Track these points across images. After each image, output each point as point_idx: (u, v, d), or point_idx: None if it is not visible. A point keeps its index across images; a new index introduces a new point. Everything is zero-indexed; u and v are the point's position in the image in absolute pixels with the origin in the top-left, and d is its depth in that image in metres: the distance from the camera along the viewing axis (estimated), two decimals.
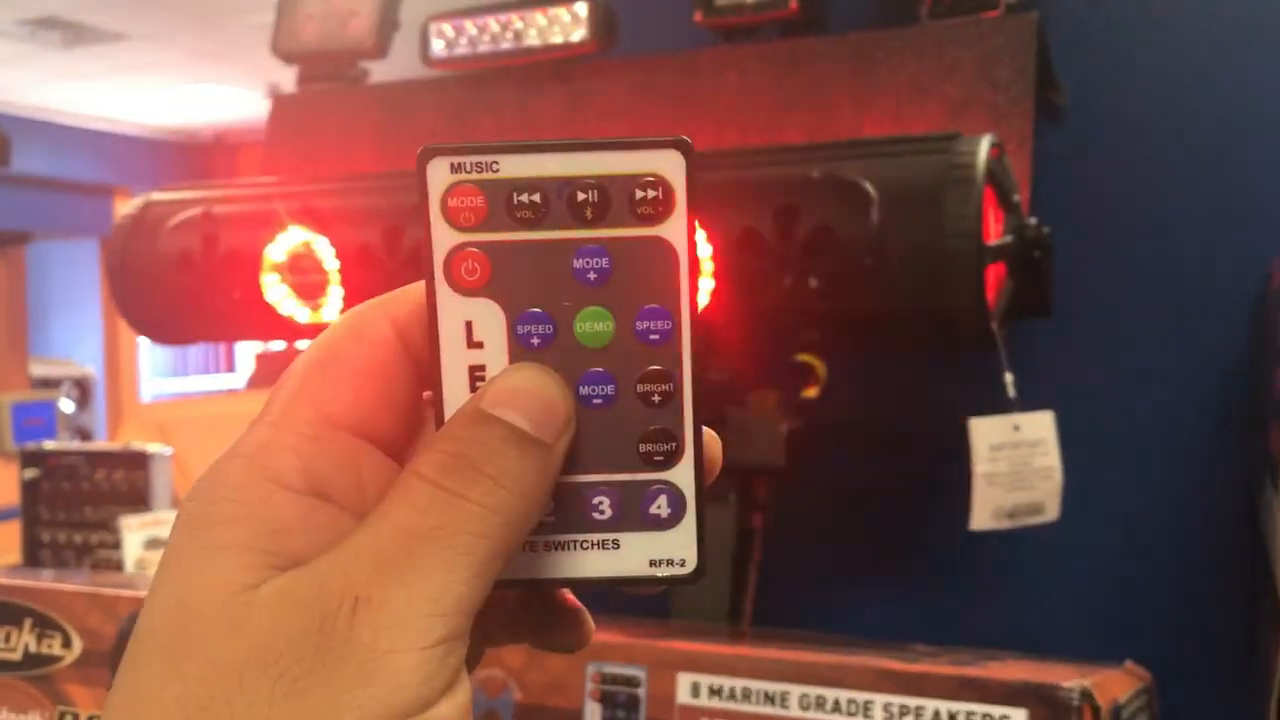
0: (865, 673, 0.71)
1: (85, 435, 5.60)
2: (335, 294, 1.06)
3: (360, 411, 0.34)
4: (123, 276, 1.15)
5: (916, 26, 1.08)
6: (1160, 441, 1.05)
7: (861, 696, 0.70)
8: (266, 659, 0.30)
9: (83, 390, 5.94)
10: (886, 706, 0.70)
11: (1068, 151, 1.11)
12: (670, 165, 0.34)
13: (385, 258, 1.04)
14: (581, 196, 0.34)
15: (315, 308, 1.08)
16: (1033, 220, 0.92)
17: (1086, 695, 0.66)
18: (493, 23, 1.21)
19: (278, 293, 1.08)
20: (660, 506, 0.35)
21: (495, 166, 0.34)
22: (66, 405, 5.70)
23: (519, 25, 1.20)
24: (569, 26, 1.19)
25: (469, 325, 0.34)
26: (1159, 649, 1.02)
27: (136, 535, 1.60)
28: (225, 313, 1.12)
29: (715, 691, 0.74)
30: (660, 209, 0.34)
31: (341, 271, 1.06)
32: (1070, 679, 0.68)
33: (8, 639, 0.96)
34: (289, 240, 1.07)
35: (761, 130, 1.12)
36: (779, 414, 0.97)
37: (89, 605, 0.94)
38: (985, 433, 0.89)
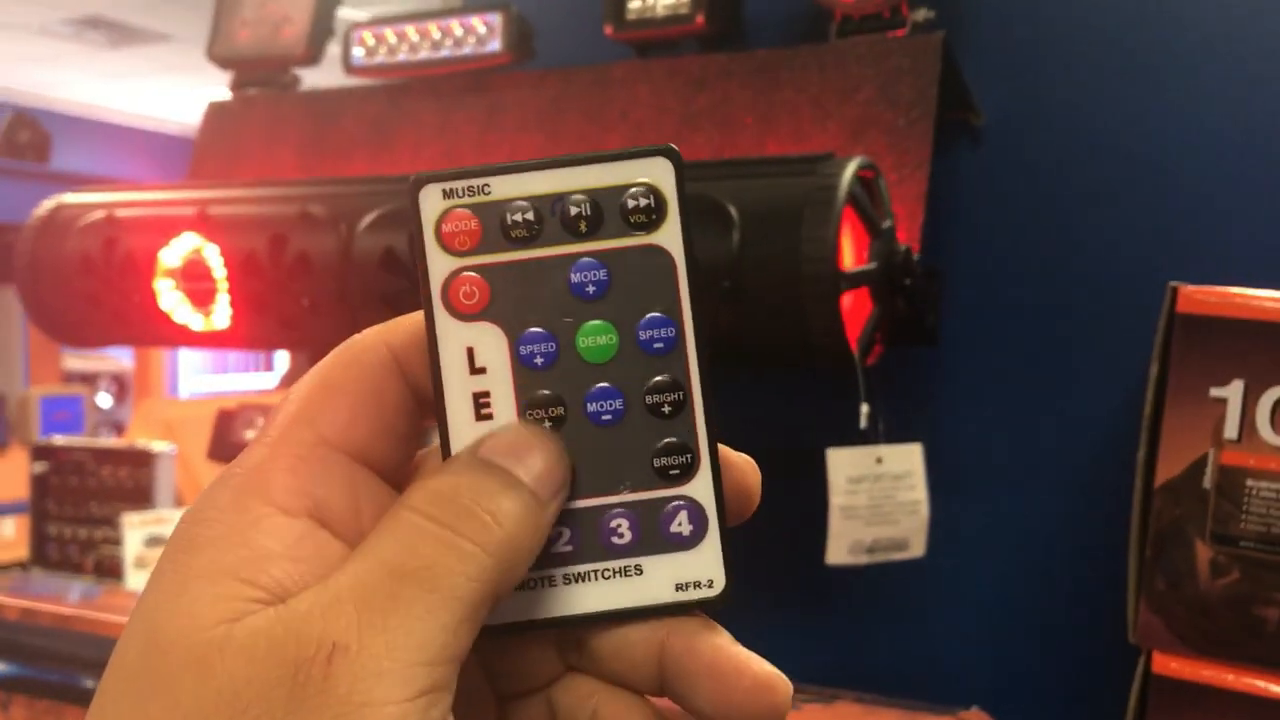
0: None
1: (121, 430, 5.69)
2: (223, 302, 1.06)
3: (358, 436, 0.33)
4: (30, 277, 1.16)
5: (823, 45, 1.05)
6: (1055, 473, 1.01)
7: None
8: (235, 707, 0.28)
9: (120, 386, 6.04)
10: None
11: (982, 172, 1.08)
12: (660, 172, 0.33)
13: (269, 266, 1.03)
14: (574, 211, 0.33)
15: (207, 315, 1.08)
16: (904, 246, 0.89)
17: None
18: (411, 31, 1.21)
19: (171, 299, 1.08)
20: (681, 524, 0.34)
21: (487, 189, 0.33)
22: (104, 400, 5.79)
23: (436, 35, 1.19)
24: (484, 37, 1.18)
25: (470, 351, 0.33)
26: (1035, 690, 0.99)
27: (138, 533, 1.61)
28: (126, 317, 1.12)
29: None
30: (654, 217, 0.33)
31: (229, 279, 1.05)
32: None
33: None
34: (182, 246, 1.07)
35: None
36: None
37: None
38: (843, 464, 0.86)
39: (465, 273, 0.33)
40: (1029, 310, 1.05)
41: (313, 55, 1.31)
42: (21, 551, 1.87)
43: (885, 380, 0.90)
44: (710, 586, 0.34)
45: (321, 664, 0.28)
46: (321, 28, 1.31)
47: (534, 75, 1.19)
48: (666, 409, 0.33)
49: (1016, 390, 1.03)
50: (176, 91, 6.29)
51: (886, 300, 0.89)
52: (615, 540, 0.34)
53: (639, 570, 0.34)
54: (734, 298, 0.86)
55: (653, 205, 0.33)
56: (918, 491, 0.88)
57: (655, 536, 0.34)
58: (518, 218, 0.33)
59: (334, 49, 1.32)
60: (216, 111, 1.35)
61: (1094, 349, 1.02)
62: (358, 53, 1.24)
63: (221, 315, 1.06)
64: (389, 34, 1.22)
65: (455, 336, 0.33)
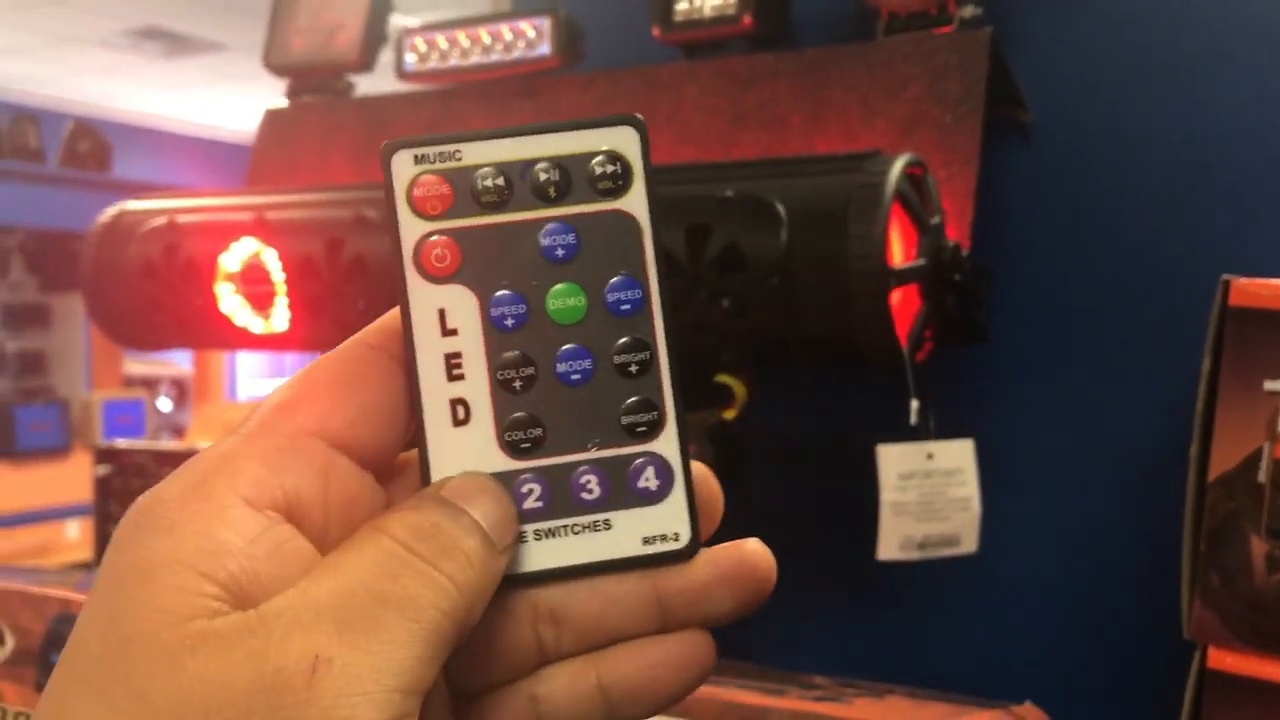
0: (711, 705, 0.70)
1: (181, 433, 5.78)
2: (281, 305, 1.08)
3: (337, 422, 0.33)
4: (95, 283, 1.19)
5: (871, 43, 1.06)
6: (1107, 468, 1.01)
7: None
8: (209, 707, 0.28)
9: (180, 390, 6.13)
10: None
11: (1031, 168, 1.07)
12: (626, 141, 0.35)
13: (326, 269, 1.05)
14: (544, 176, 0.34)
15: (267, 318, 1.10)
16: (952, 243, 0.89)
17: None
18: (462, 37, 1.22)
19: (231, 303, 1.10)
20: (649, 479, 0.35)
21: (458, 155, 0.34)
22: (164, 404, 5.89)
23: (486, 40, 1.21)
24: (534, 41, 1.19)
25: (442, 313, 0.34)
26: (1089, 686, 0.99)
27: None
28: (186, 320, 1.14)
29: None
30: (620, 183, 0.35)
31: (288, 283, 1.07)
32: (918, 718, 0.66)
33: None
34: (241, 251, 1.09)
35: (716, 147, 1.11)
36: (696, 435, 0.96)
37: (22, 604, 0.97)
38: (894, 460, 0.87)
39: (436, 236, 0.34)
40: (1079, 306, 1.04)
41: (366, 62, 1.33)
42: (86, 553, 1.91)
43: (935, 377, 0.90)
44: (676, 539, 0.35)
45: (304, 675, 0.28)
46: (374, 35, 1.33)
47: (582, 78, 1.20)
48: (634, 368, 0.35)
49: (1068, 386, 1.03)
50: (231, 100, 6.39)
51: (936, 297, 0.89)
52: (585, 496, 0.35)
53: (608, 525, 0.35)
54: (782, 295, 0.86)
55: (619, 172, 0.35)
56: (969, 488, 0.88)
57: (623, 491, 0.35)
58: (488, 183, 0.34)
59: (386, 55, 1.34)
60: (272, 118, 1.38)
61: (1145, 343, 1.01)
62: (410, 58, 1.26)
63: (280, 318, 1.08)
64: (440, 40, 1.24)
65: (427, 299, 0.34)
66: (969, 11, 1.03)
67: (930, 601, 1.06)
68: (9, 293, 5.80)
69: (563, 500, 0.35)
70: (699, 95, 1.13)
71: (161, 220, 1.15)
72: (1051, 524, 1.02)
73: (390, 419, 0.34)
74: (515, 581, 0.34)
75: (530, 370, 0.35)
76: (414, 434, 0.35)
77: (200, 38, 5.50)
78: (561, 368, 0.35)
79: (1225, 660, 0.77)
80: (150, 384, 5.95)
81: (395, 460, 0.36)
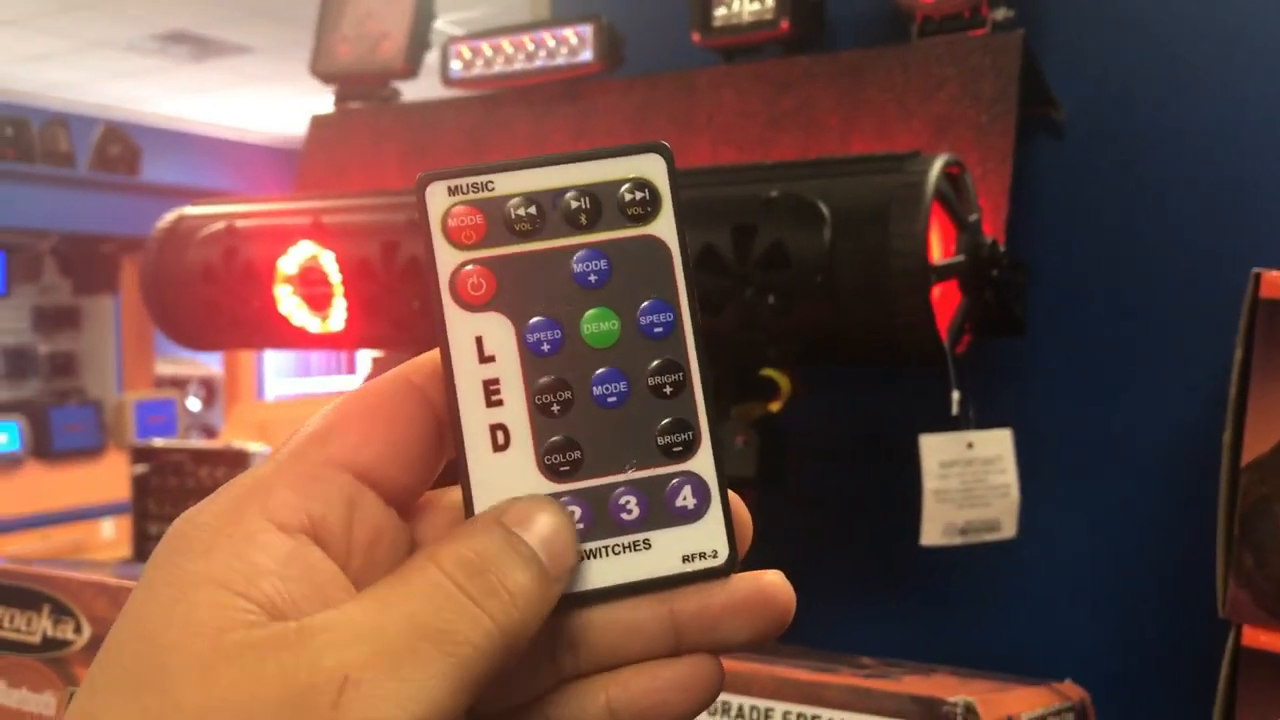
0: (768, 680, 0.73)
1: (210, 433, 5.84)
2: (339, 305, 1.12)
3: (367, 457, 0.34)
4: (155, 285, 1.23)
5: (905, 45, 1.09)
6: (1142, 455, 1.04)
7: (763, 703, 0.72)
8: (238, 716, 0.28)
9: (209, 390, 6.19)
10: (785, 714, 0.72)
11: (1064, 165, 1.10)
12: (653, 168, 0.36)
13: (382, 270, 1.09)
14: (575, 204, 0.35)
15: (324, 318, 1.14)
16: (990, 239, 0.93)
17: (970, 710, 0.67)
18: (505, 44, 1.26)
19: (290, 304, 1.14)
20: (686, 498, 0.35)
21: (490, 185, 0.35)
22: (194, 404, 5.95)
23: (530, 46, 1.25)
24: (576, 48, 1.23)
25: (479, 340, 0.35)
26: (1127, 665, 1.02)
27: None
28: (245, 321, 1.19)
29: None
30: (649, 209, 0.36)
31: (345, 284, 1.11)
32: (965, 693, 0.69)
33: (29, 623, 1.04)
34: (299, 254, 1.13)
35: (754, 149, 1.14)
36: (742, 427, 0.99)
37: (97, 594, 1.01)
38: (936, 450, 0.90)
39: (471, 265, 0.35)
40: (1112, 298, 1.07)
41: (411, 69, 1.37)
42: (122, 551, 1.95)
43: (974, 368, 0.93)
44: (715, 556, 0.35)
45: (332, 694, 0.29)
46: (419, 42, 1.37)
47: (623, 83, 1.24)
48: (668, 389, 0.35)
49: (1103, 375, 1.06)
50: (258, 102, 6.45)
51: (975, 291, 0.92)
52: (624, 516, 0.35)
53: (648, 544, 0.35)
54: (826, 292, 0.90)
55: (647, 198, 0.36)
56: (1008, 475, 0.92)
57: (662, 511, 0.35)
58: (520, 212, 0.35)
59: (429, 62, 1.38)
60: (319, 124, 1.42)
61: (1177, 334, 1.04)
62: (455, 65, 1.29)
63: (338, 318, 1.12)
64: (485, 47, 1.28)
65: (464, 327, 0.35)
66: (1001, 13, 1.06)
67: (972, 585, 1.09)
68: (41, 296, 5.87)
69: (603, 521, 0.35)
70: (737, 98, 1.16)
71: (220, 225, 1.20)
72: (1088, 508, 1.05)
73: (419, 458, 0.35)
74: (559, 604, 0.35)
75: (567, 394, 0.35)
76: (447, 468, 0.35)
77: (227, 41, 5.56)
78: (598, 390, 0.35)
79: (1259, 638, 0.81)
80: (180, 384, 6.01)
81: (419, 500, 0.36)
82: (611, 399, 0.35)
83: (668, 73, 1.21)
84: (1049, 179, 1.10)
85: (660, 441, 0.35)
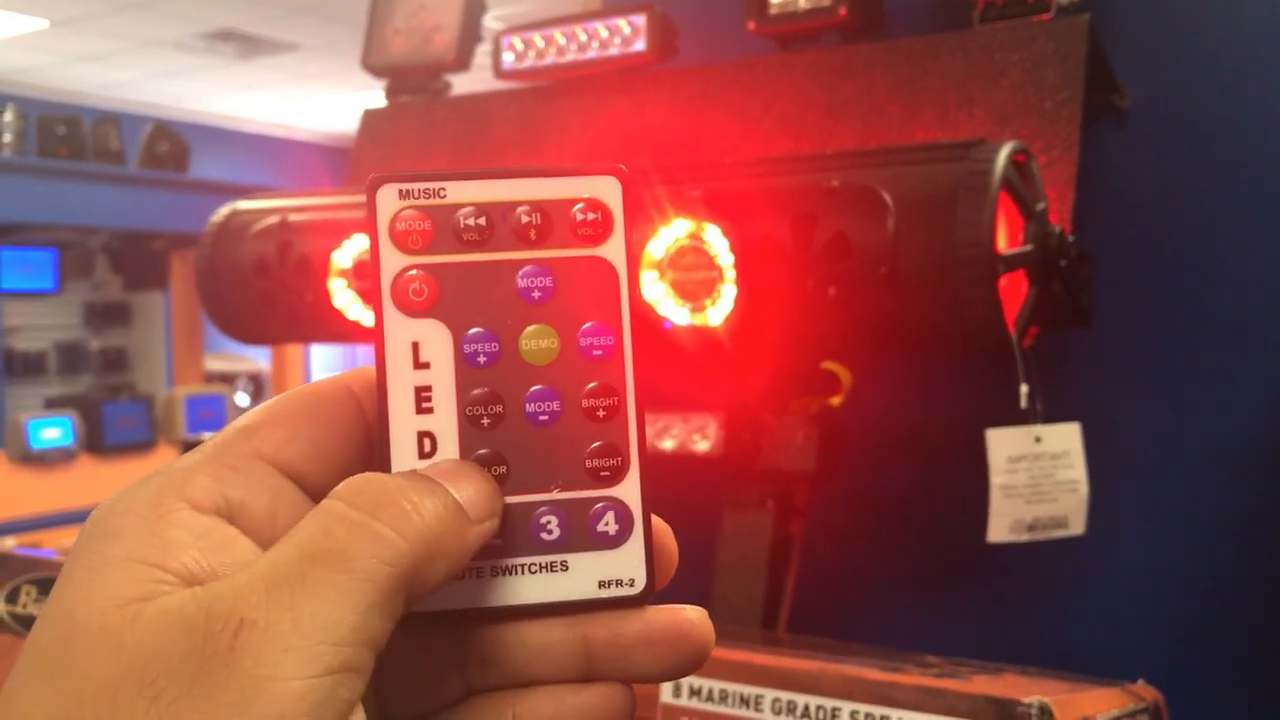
0: (836, 680, 0.72)
1: None
2: None
3: (294, 454, 0.34)
4: (210, 279, 1.23)
5: (967, 31, 1.07)
6: (1213, 450, 1.01)
7: (830, 703, 0.71)
8: (144, 679, 0.29)
9: (257, 385, 6.26)
10: (853, 714, 0.70)
11: (1130, 153, 1.08)
12: (608, 190, 0.35)
13: None
14: (525, 219, 0.35)
15: None
16: (1058, 228, 0.90)
17: (1045, 711, 0.65)
18: (558, 35, 1.25)
19: (344, 298, 1.14)
20: (608, 523, 0.35)
21: (442, 193, 0.35)
22: (242, 399, 6.01)
23: (582, 37, 1.24)
24: (629, 38, 1.21)
25: (415, 346, 0.35)
26: (1198, 666, 0.99)
27: None
28: (299, 315, 1.18)
29: (695, 692, 0.75)
30: (601, 230, 0.35)
31: None
32: (1038, 693, 0.67)
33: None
34: (353, 247, 1.13)
35: (813, 137, 1.12)
36: (804, 421, 0.98)
37: None
38: (1003, 444, 0.88)
39: (415, 270, 0.34)
40: (1181, 289, 1.05)
41: (463, 61, 1.36)
42: None
43: (1042, 361, 0.91)
44: (632, 585, 0.35)
45: (228, 638, 0.29)
46: (470, 35, 1.36)
47: (677, 72, 1.22)
48: (601, 412, 0.35)
49: (1172, 368, 1.03)
50: (304, 99, 6.49)
51: (1042, 282, 0.90)
52: (544, 536, 0.35)
53: (565, 566, 0.35)
54: (890, 283, 0.88)
55: (600, 220, 0.35)
56: (1076, 470, 0.89)
57: (583, 534, 0.35)
58: (470, 221, 0.35)
59: (480, 56, 1.37)
60: (371, 118, 1.41)
61: (1246, 325, 1.01)
62: (508, 58, 1.28)
63: None
64: (537, 38, 1.26)
65: (402, 331, 0.34)
66: None
67: (1037, 583, 1.07)
68: (93, 292, 5.94)
69: (522, 539, 0.35)
70: (795, 87, 1.14)
71: (274, 219, 1.19)
72: (1159, 506, 1.03)
73: (343, 461, 0.35)
74: (470, 617, 0.35)
75: (499, 408, 0.35)
76: (377, 466, 0.35)
77: (274, 39, 5.60)
78: (530, 407, 0.35)
79: None
80: (229, 379, 6.08)
81: None
82: (543, 417, 0.35)
83: (723, 62, 1.19)
84: (1114, 167, 1.07)
85: (588, 464, 0.35)
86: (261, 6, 5.11)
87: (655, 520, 0.36)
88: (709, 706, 0.75)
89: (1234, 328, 1.02)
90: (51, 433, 4.78)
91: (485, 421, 0.35)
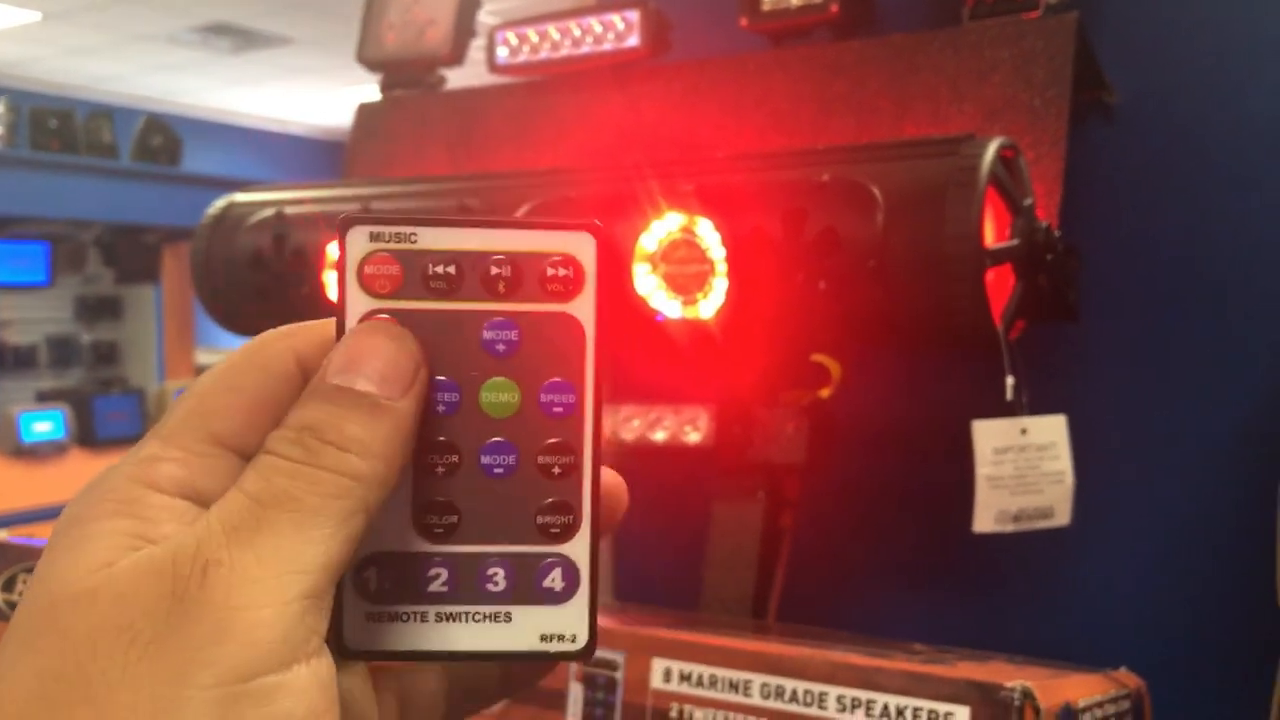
0: (823, 665, 0.73)
1: None
2: None
3: (249, 436, 0.35)
4: (205, 272, 1.24)
5: (957, 28, 1.08)
6: (1198, 442, 1.03)
7: (818, 688, 0.72)
8: (120, 625, 0.30)
9: None
10: (840, 698, 0.71)
11: (1117, 149, 1.09)
12: (582, 247, 0.35)
13: None
14: (495, 271, 0.35)
15: None
16: (1044, 223, 0.92)
17: (1028, 695, 0.67)
18: (552, 30, 1.26)
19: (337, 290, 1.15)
20: (555, 580, 0.35)
21: (413, 238, 0.35)
22: None
23: (576, 32, 1.25)
24: (623, 33, 1.22)
25: None
26: (1183, 655, 1.01)
27: None
28: (294, 307, 1.19)
29: (685, 677, 0.77)
30: (570, 287, 0.35)
31: None
32: (1022, 679, 0.69)
33: None
34: None
35: (805, 132, 1.13)
36: (794, 413, 0.99)
37: None
38: (989, 435, 0.89)
39: (381, 315, 0.35)
40: (1166, 283, 1.06)
41: (457, 56, 1.37)
42: None
43: (1028, 354, 0.92)
44: (573, 641, 0.36)
45: (198, 578, 0.30)
46: (464, 29, 1.37)
47: (670, 67, 1.23)
48: (557, 470, 0.35)
49: (1157, 361, 1.05)
50: (297, 93, 6.49)
51: (1029, 276, 0.91)
52: (490, 587, 0.35)
53: (508, 618, 0.35)
54: (879, 277, 0.89)
55: (571, 276, 0.35)
56: (1062, 461, 0.91)
57: (528, 588, 0.35)
58: (439, 269, 0.35)
59: (474, 50, 1.38)
60: (366, 112, 1.42)
61: (1232, 319, 1.03)
62: (502, 52, 1.29)
63: None
64: (531, 34, 1.27)
65: None
66: None
67: (1024, 573, 1.08)
68: (85, 285, 5.94)
69: (468, 588, 0.35)
70: (787, 83, 1.15)
71: (269, 212, 1.20)
72: (1143, 496, 1.04)
73: None
74: (412, 657, 0.36)
75: (454, 458, 0.35)
76: None
77: (267, 33, 5.60)
78: (486, 459, 0.35)
79: None
80: None
81: None
82: (498, 470, 0.35)
83: (716, 58, 1.20)
84: (1102, 163, 1.09)
85: (539, 520, 0.35)
86: (255, 0, 5.11)
87: (605, 470, 0.36)
88: (699, 691, 0.76)
89: (1219, 322, 1.03)
90: (43, 426, 4.78)
91: (440, 470, 0.35)
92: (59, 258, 5.65)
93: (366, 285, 0.35)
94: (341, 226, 0.35)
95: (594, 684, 0.80)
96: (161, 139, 5.54)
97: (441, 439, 0.35)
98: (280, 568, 0.31)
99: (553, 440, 0.35)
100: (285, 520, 0.32)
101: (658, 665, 0.78)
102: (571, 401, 0.35)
